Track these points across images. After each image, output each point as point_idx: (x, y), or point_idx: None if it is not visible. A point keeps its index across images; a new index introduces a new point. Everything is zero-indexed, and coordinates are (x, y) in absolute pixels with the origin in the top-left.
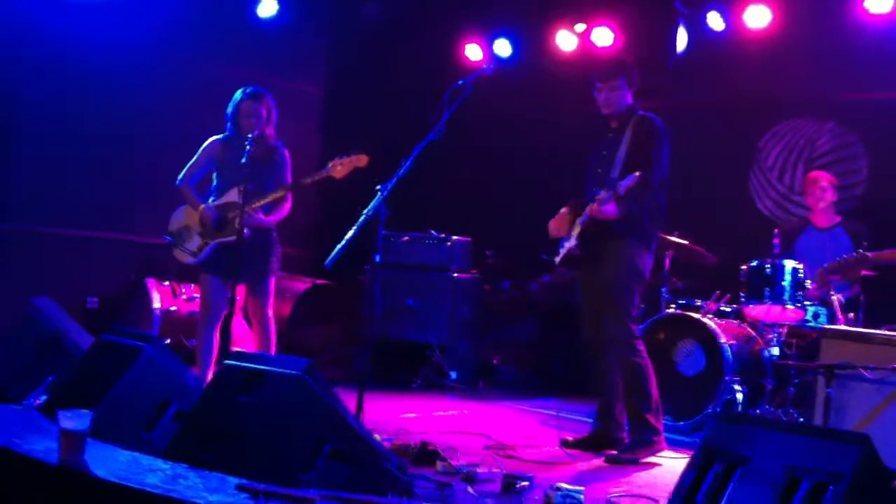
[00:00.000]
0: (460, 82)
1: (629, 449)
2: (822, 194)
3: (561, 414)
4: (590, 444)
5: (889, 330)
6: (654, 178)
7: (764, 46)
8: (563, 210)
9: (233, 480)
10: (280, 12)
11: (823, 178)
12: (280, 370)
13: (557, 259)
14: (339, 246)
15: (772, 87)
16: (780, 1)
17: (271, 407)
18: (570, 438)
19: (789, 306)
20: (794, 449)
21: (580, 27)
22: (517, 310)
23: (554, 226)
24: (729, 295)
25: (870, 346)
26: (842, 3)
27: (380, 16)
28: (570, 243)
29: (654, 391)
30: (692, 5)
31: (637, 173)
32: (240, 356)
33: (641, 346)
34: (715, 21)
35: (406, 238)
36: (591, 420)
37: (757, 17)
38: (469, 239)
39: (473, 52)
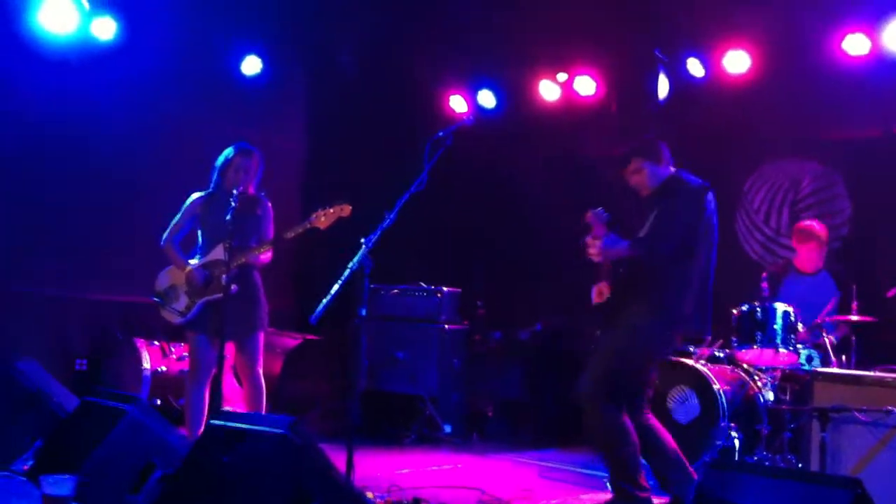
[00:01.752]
0: (440, 133)
1: None
2: (813, 247)
3: (562, 466)
4: None
5: (881, 372)
6: (664, 246)
7: (744, 90)
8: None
9: None
10: (264, 67)
11: (817, 232)
12: (263, 429)
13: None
14: (324, 301)
15: (754, 129)
16: (757, 45)
17: (255, 466)
18: None
19: (782, 350)
20: (786, 495)
21: (562, 77)
22: (509, 360)
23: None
24: (721, 340)
25: (862, 389)
26: (819, 45)
27: (363, 68)
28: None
29: (630, 457)
30: (671, 52)
31: (629, 246)
32: (224, 416)
33: (612, 413)
34: (695, 67)
35: (395, 290)
36: (592, 472)
37: (736, 63)
38: (458, 290)
39: (457, 103)
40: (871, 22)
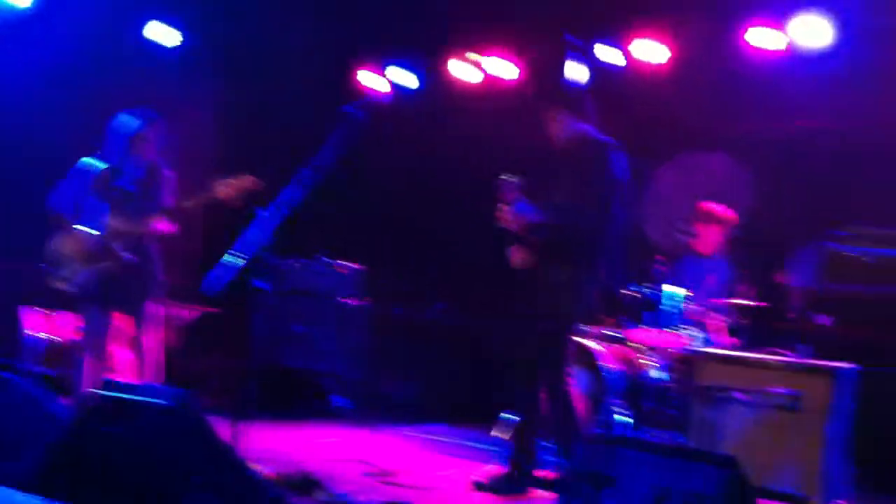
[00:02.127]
0: (351, 108)
1: (505, 482)
2: (715, 230)
3: (452, 440)
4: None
5: (766, 354)
6: (584, 212)
7: (657, 79)
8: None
9: None
10: (179, 36)
11: (719, 215)
12: (150, 400)
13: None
14: (218, 272)
15: (667, 119)
16: (672, 36)
17: (140, 438)
18: (483, 480)
19: (670, 330)
20: (662, 470)
21: (481, 58)
22: (409, 337)
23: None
24: (614, 319)
25: (744, 370)
26: (732, 39)
27: (282, 41)
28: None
29: (536, 431)
30: (586, 39)
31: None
32: (111, 386)
33: (567, 383)
34: (609, 54)
35: (297, 264)
36: (480, 446)
37: (650, 52)
38: (362, 266)
39: (373, 79)
40: (782, 18)
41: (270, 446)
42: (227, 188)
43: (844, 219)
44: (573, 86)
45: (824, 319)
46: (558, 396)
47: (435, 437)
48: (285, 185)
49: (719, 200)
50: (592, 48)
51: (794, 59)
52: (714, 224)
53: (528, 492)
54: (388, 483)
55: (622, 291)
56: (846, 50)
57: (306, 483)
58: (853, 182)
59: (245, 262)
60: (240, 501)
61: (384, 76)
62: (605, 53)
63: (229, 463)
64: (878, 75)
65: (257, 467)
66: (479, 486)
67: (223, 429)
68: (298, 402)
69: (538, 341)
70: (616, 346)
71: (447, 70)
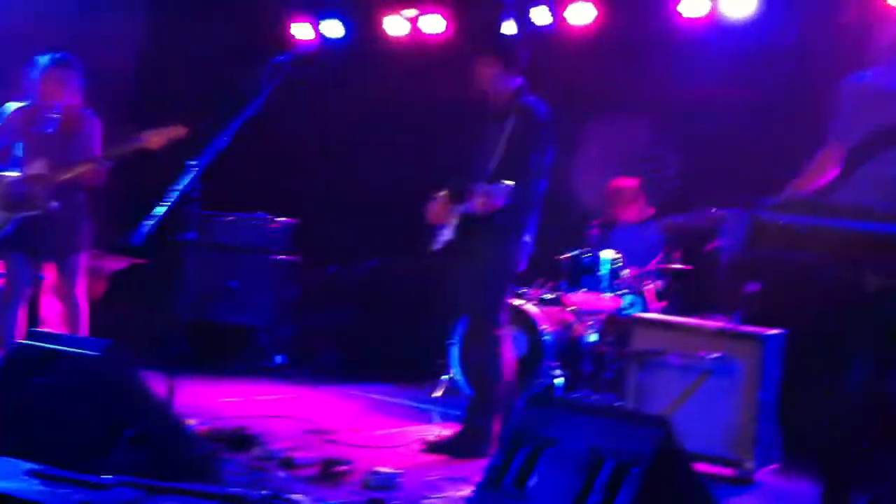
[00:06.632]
0: (282, 58)
1: (458, 444)
2: (628, 202)
3: (391, 399)
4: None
5: (696, 319)
6: (530, 179)
7: (585, 41)
8: (442, 195)
9: (25, 465)
10: None
11: (627, 188)
12: (76, 350)
13: (436, 247)
14: (145, 223)
15: (591, 82)
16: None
17: (67, 389)
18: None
19: (606, 294)
20: (598, 431)
21: (411, 13)
22: (343, 294)
23: (433, 212)
24: (552, 282)
25: (678, 334)
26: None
27: None
28: (448, 232)
29: (497, 393)
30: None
31: (510, 184)
32: (36, 336)
33: (501, 348)
34: (538, 14)
35: (230, 218)
36: (418, 405)
37: (578, 13)
38: (295, 221)
39: (302, 30)
40: None
41: (204, 402)
42: (156, 137)
43: (772, 187)
44: (511, 41)
45: (753, 286)
46: (481, 365)
47: (373, 396)
48: (215, 136)
49: (647, 167)
50: (523, 7)
51: (720, 28)
52: (625, 198)
53: (485, 453)
54: (328, 441)
55: (560, 256)
56: (770, 21)
57: (241, 438)
58: (778, 151)
59: (173, 213)
60: (171, 455)
61: (315, 28)
62: (535, 13)
63: (161, 416)
64: (800, 47)
65: (190, 422)
66: (431, 447)
67: (156, 383)
68: (234, 358)
69: (492, 301)
70: (553, 308)
71: (377, 23)
